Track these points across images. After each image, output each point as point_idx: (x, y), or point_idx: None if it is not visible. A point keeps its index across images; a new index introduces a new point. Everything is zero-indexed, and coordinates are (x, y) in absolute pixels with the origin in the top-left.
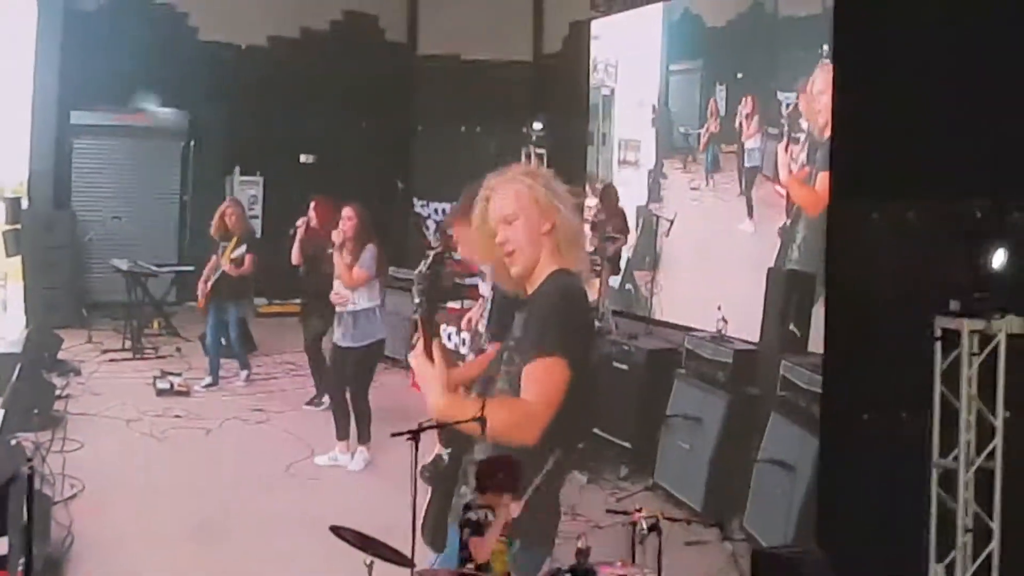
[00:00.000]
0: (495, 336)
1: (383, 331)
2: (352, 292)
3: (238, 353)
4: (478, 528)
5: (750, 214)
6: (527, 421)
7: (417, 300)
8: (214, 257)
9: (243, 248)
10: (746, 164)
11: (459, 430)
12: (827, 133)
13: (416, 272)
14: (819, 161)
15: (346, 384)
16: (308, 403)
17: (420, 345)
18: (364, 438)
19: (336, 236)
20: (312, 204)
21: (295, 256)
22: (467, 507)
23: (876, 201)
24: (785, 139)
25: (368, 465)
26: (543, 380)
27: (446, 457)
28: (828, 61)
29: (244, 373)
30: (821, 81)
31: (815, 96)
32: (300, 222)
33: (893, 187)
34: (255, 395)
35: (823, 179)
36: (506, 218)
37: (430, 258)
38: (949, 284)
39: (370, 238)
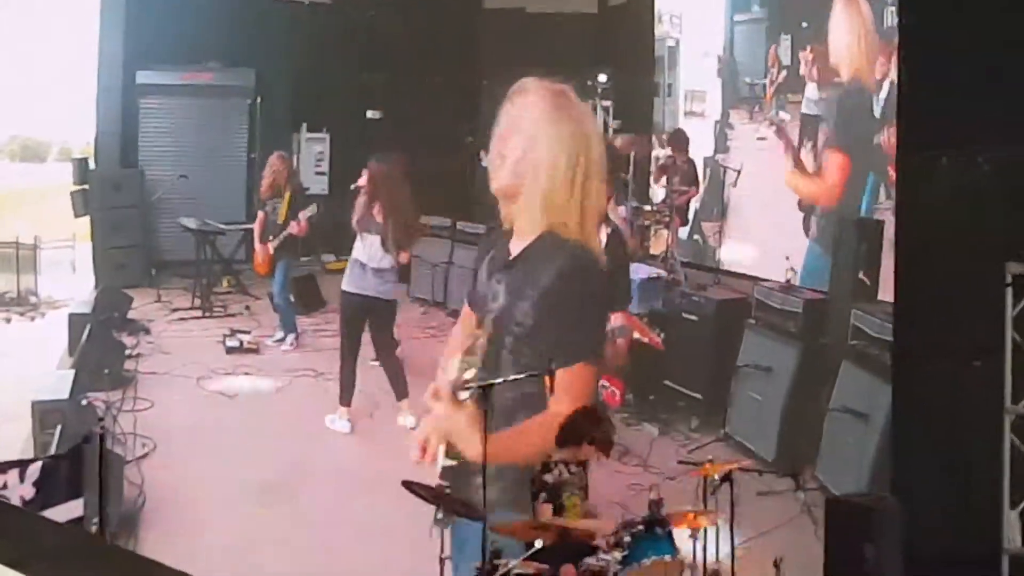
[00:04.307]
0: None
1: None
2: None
3: (283, 310)
4: (552, 492)
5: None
6: None
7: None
8: (261, 214)
9: (313, 207)
10: (803, 112)
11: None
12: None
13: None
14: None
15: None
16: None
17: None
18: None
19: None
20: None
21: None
22: (545, 464)
23: (946, 147)
24: None
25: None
26: (575, 392)
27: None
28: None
29: (279, 335)
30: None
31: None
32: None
33: (962, 133)
34: (324, 351)
35: (832, 160)
36: (502, 134)
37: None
38: (1020, 230)
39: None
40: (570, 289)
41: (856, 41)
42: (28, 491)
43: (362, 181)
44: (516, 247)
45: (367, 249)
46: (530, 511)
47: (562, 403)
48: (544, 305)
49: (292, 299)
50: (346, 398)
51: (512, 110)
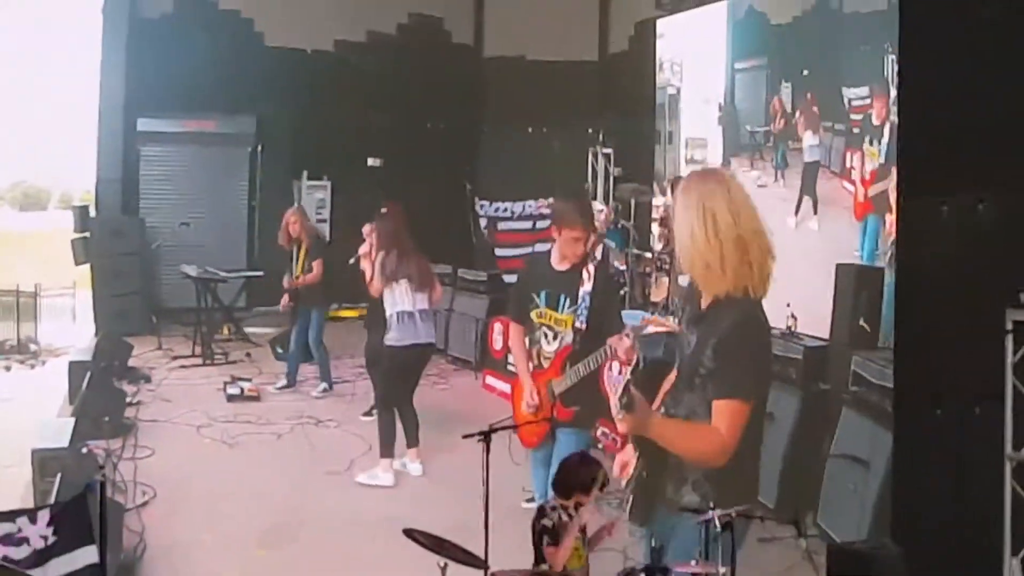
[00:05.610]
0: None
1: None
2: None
3: (320, 361)
4: (554, 535)
5: (814, 210)
6: (721, 452)
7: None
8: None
9: (314, 258)
10: (806, 159)
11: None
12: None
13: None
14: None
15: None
16: (365, 413)
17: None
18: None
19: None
20: (383, 209)
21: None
22: (541, 510)
23: (945, 194)
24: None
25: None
26: (734, 421)
27: (645, 474)
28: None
29: (323, 386)
30: None
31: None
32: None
33: (962, 179)
34: (325, 399)
35: None
36: (674, 226)
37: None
38: (1020, 276)
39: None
40: (735, 338)
41: None
42: (48, 533)
43: (364, 249)
44: (704, 303)
45: (404, 297)
46: None
47: (721, 423)
48: (719, 350)
49: (312, 348)
50: (388, 450)
51: (674, 202)
